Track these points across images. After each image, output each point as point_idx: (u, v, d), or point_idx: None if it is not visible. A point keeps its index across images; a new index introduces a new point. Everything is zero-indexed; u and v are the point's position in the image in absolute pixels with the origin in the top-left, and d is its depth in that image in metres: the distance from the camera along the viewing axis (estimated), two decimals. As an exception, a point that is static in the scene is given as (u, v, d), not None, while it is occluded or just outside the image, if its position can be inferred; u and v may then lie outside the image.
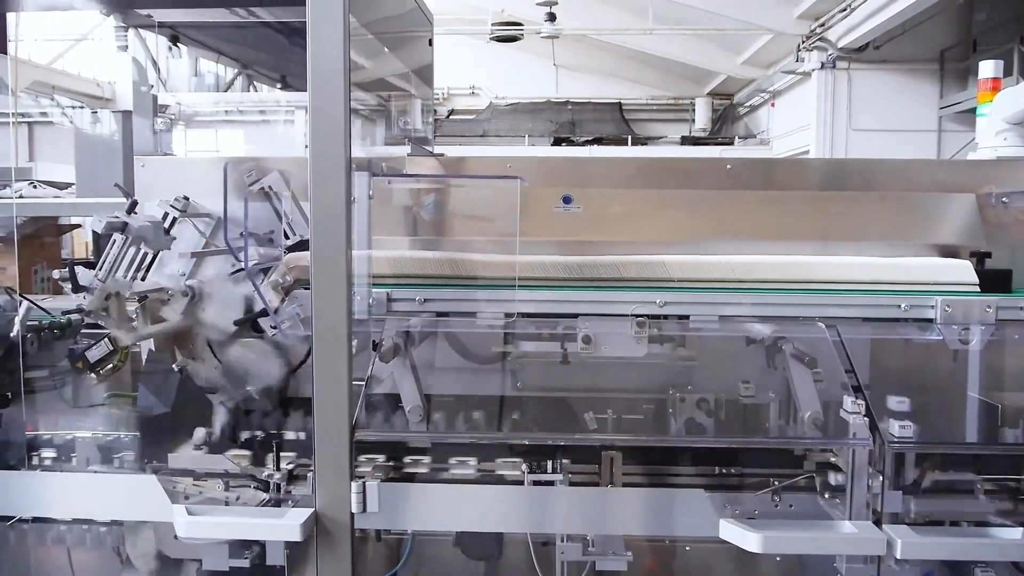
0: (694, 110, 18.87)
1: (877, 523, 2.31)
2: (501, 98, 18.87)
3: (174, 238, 3.01)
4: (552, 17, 14.40)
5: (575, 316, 2.68)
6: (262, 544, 2.69)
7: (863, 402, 2.39)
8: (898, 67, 12.97)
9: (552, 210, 2.99)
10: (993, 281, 2.83)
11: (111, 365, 3.13)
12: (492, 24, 14.97)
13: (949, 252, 3.07)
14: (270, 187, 2.90)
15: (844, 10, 12.10)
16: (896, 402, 2.40)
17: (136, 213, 2.86)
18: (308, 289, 2.68)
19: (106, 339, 3.09)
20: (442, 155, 3.26)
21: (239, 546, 2.68)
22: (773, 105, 16.46)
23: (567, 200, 2.99)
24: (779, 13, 13.47)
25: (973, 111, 11.37)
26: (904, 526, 2.22)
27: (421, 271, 2.77)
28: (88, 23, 15.28)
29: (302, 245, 2.83)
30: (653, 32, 14.75)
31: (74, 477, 2.72)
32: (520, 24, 15.06)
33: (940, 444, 2.46)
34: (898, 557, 2.15)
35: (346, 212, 2.20)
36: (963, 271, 2.83)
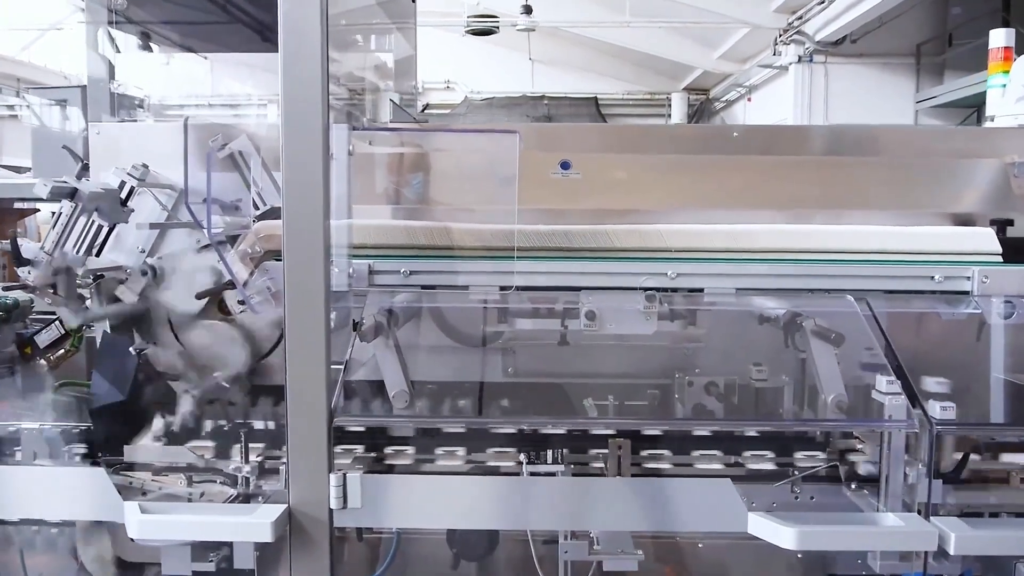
0: (670, 105, 18.78)
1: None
2: (476, 92, 18.65)
3: (132, 210, 2.73)
4: (528, 10, 14.20)
5: (576, 289, 2.43)
6: (230, 545, 2.42)
7: (900, 381, 2.17)
8: (875, 61, 12.98)
9: (549, 176, 2.75)
10: (1016, 250, 2.64)
11: (63, 350, 2.86)
12: (468, 16, 14.72)
13: (963, 221, 2.88)
14: (239, 152, 2.63)
15: (822, 2, 12.02)
16: (936, 383, 2.18)
17: (87, 179, 2.58)
18: (280, 260, 2.42)
19: (57, 322, 2.82)
20: (426, 121, 3.01)
21: (203, 548, 2.41)
22: (750, 100, 16.37)
23: (565, 166, 2.75)
24: (756, 7, 13.40)
25: (949, 105, 11.53)
26: (955, 518, 1.98)
27: (406, 240, 2.51)
28: (56, 15, 14.86)
29: (272, 214, 2.57)
30: (630, 25, 14.59)
31: (11, 471, 2.42)
32: (496, 17, 14.83)
33: (991, 427, 2.24)
34: (951, 552, 1.91)
35: (323, 169, 1.94)
36: (986, 239, 2.64)
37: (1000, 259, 2.59)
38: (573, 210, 2.77)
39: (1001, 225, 2.75)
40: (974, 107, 11.25)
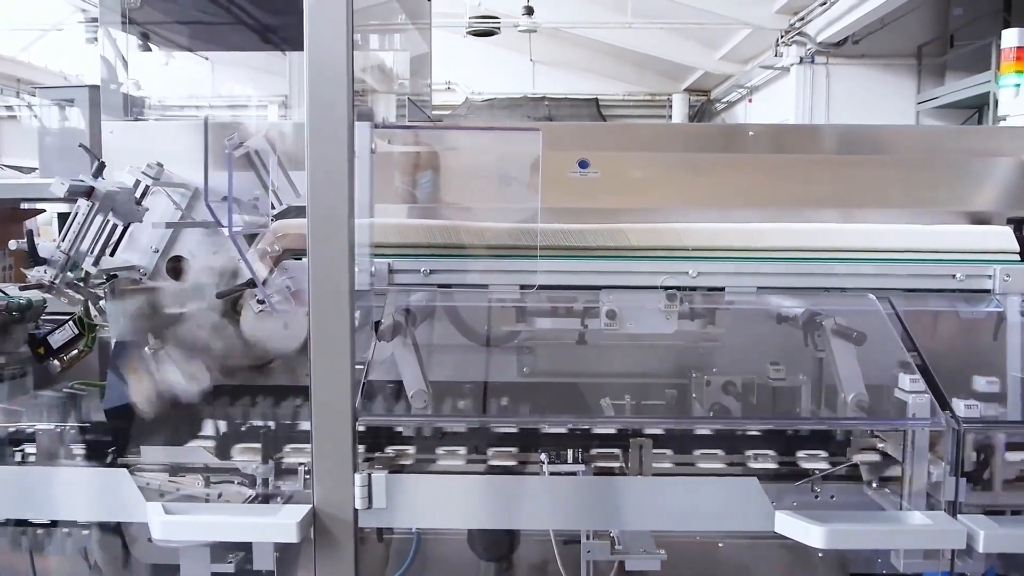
0: (671, 106, 18.77)
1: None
2: (477, 94, 18.62)
3: (146, 209, 2.72)
4: (530, 11, 14.17)
5: (596, 288, 2.42)
6: (247, 547, 2.40)
7: (925, 379, 2.16)
8: (876, 62, 12.95)
9: (566, 175, 2.73)
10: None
11: (76, 350, 2.85)
12: (469, 17, 14.70)
13: (980, 219, 2.88)
14: (255, 151, 2.62)
15: (823, 4, 12.01)
16: (965, 381, 2.17)
17: (103, 177, 2.57)
18: (299, 259, 2.41)
19: (71, 322, 2.81)
20: (440, 120, 3.00)
21: (222, 549, 2.40)
22: (751, 101, 16.36)
23: (583, 164, 2.74)
24: (757, 8, 13.38)
25: (950, 106, 11.52)
26: (982, 516, 1.97)
27: (425, 239, 2.50)
28: (56, 15, 14.84)
29: (289, 213, 2.56)
30: (631, 26, 14.58)
31: (34, 471, 2.41)
32: (497, 18, 14.81)
33: (1019, 426, 2.22)
34: (980, 550, 1.90)
35: (348, 167, 1.93)
36: (1005, 238, 2.64)
37: (1018, 257, 2.60)
38: (589, 209, 2.75)
39: (1018, 223, 2.75)
40: (975, 108, 11.25)
